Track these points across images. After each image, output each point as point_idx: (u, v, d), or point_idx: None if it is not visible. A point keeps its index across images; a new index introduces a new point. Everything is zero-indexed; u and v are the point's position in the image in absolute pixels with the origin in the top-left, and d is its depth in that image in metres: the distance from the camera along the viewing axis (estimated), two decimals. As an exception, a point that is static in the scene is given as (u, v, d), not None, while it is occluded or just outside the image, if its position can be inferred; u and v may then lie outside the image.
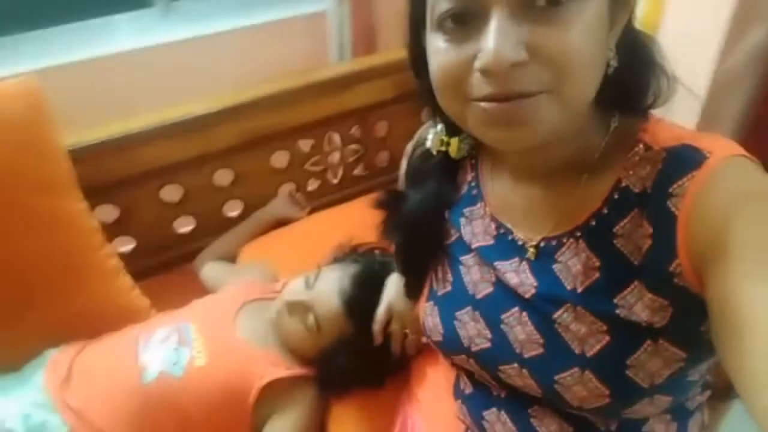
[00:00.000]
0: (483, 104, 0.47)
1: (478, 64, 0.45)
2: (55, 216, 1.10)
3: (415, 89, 0.64)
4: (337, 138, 1.56)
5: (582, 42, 0.45)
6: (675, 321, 0.51)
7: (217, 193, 1.47)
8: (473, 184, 0.70)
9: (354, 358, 0.98)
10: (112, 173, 1.29)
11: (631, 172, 0.54)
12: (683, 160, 0.50)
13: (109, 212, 1.35)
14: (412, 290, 0.80)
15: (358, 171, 1.64)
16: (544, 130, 0.48)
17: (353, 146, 1.60)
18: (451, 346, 0.70)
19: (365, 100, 1.52)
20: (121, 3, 1.78)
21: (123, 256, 1.28)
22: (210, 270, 1.36)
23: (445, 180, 0.72)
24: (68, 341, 1.09)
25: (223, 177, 1.46)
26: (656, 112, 0.58)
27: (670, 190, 0.49)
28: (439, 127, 0.68)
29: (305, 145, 1.53)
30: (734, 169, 0.48)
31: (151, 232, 1.42)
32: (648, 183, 0.52)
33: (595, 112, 0.57)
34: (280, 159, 1.52)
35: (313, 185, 1.61)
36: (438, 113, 0.64)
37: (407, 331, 0.96)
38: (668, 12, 1.34)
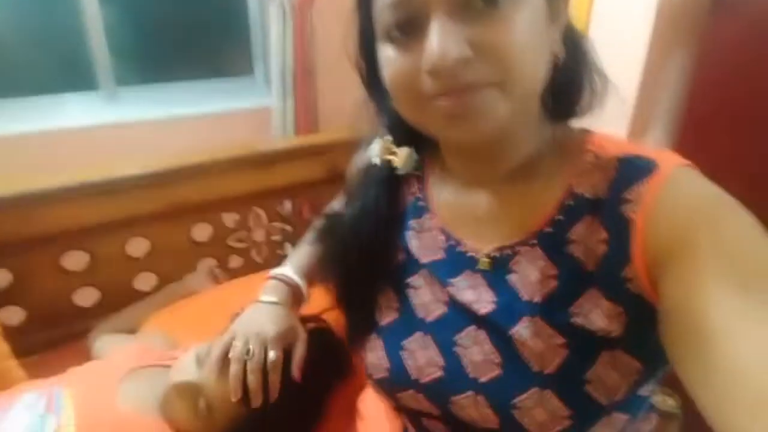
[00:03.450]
0: (437, 102, 0.49)
1: (425, 65, 0.47)
2: None
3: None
4: (263, 214, 1.52)
5: (522, 36, 0.47)
6: (630, 330, 0.51)
7: (128, 263, 1.38)
8: (419, 195, 0.68)
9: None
10: (7, 235, 1.19)
11: (583, 179, 0.55)
12: (635, 168, 0.51)
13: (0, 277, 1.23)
14: (358, 328, 0.72)
15: (283, 251, 1.58)
16: (496, 120, 0.49)
17: (279, 225, 1.55)
18: (398, 381, 0.63)
19: (296, 177, 1.51)
20: (68, 83, 1.82)
21: (9, 329, 1.14)
22: (103, 344, 1.21)
23: (386, 191, 0.69)
24: None
25: (136, 246, 1.38)
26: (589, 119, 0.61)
27: (625, 195, 0.50)
28: (386, 137, 0.68)
29: (229, 219, 1.49)
30: (685, 177, 0.50)
31: (46, 303, 1.29)
32: (601, 189, 0.53)
33: (540, 119, 0.59)
34: (201, 232, 1.46)
35: (235, 262, 1.53)
36: (388, 126, 0.66)
37: (270, 352, 0.78)
38: (595, 17, 1.47)
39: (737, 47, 1.27)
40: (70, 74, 1.86)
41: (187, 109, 1.93)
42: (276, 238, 1.56)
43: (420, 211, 0.67)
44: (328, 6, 1.88)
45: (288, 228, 1.57)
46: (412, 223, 0.67)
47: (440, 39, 0.45)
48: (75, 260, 1.31)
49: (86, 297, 1.36)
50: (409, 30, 0.48)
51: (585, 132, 0.59)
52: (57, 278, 1.29)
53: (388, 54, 0.51)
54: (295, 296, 0.88)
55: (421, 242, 0.65)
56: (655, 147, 1.40)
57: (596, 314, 0.52)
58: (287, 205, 1.55)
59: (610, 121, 0.61)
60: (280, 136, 1.95)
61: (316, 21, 1.91)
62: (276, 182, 1.50)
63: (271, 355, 0.77)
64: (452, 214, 0.64)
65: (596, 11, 1.49)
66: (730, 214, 0.46)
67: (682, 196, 0.48)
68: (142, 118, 1.84)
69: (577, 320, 0.52)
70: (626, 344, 0.51)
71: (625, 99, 0.61)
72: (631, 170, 0.51)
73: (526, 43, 0.47)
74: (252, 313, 0.83)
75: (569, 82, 0.58)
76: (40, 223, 1.22)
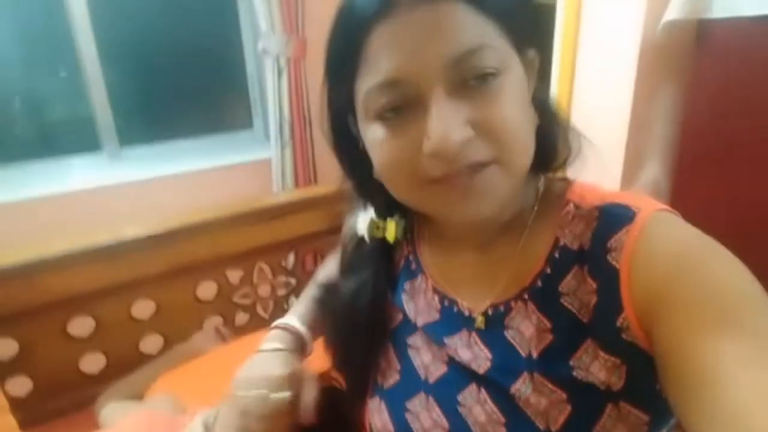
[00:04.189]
0: (437, 185, 0.48)
1: (427, 148, 0.45)
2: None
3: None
4: (267, 269, 1.53)
5: (516, 110, 0.47)
6: (632, 381, 0.49)
7: (133, 326, 1.37)
8: (411, 258, 0.68)
9: None
10: (13, 303, 1.19)
11: (566, 230, 0.55)
12: (615, 216, 0.51)
13: (6, 347, 1.22)
14: (357, 392, 0.70)
15: (289, 305, 1.57)
16: (500, 198, 0.49)
17: (284, 278, 1.55)
18: None
19: (298, 230, 1.52)
20: (72, 146, 1.86)
21: (16, 400, 1.13)
22: (111, 411, 1.20)
23: (381, 264, 0.68)
24: None
25: (142, 309, 1.38)
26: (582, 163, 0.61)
27: (608, 244, 0.50)
28: (370, 212, 0.67)
29: (234, 275, 1.49)
30: (664, 222, 0.50)
31: (53, 372, 1.28)
32: (584, 240, 0.53)
33: (525, 177, 0.59)
34: (206, 290, 1.46)
35: (241, 319, 1.53)
36: (368, 198, 0.65)
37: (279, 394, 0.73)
38: (581, 59, 1.50)
39: (723, 84, 1.29)
40: (73, 137, 1.90)
41: (189, 165, 1.96)
42: (281, 292, 1.56)
43: (412, 274, 0.67)
44: (321, 57, 1.93)
45: (292, 281, 1.57)
46: (405, 285, 0.67)
47: (442, 122, 0.44)
48: (81, 326, 1.31)
49: (93, 363, 1.35)
50: (404, 110, 0.47)
51: (565, 182, 0.59)
52: (63, 345, 1.29)
53: (378, 135, 0.49)
54: (299, 344, 0.85)
55: (416, 305, 0.65)
56: (649, 188, 1.42)
57: (596, 366, 0.51)
58: (291, 258, 1.56)
59: (603, 165, 0.62)
60: (280, 187, 1.98)
61: (311, 73, 1.96)
62: (278, 236, 1.50)
63: (279, 396, 0.70)
64: (444, 274, 0.64)
65: (582, 53, 1.53)
66: (712, 257, 0.45)
67: (662, 242, 0.47)
68: (146, 176, 1.88)
69: (579, 373, 0.51)
70: (630, 396, 0.50)
71: (600, 150, 0.61)
72: (612, 219, 0.51)
73: (519, 117, 0.48)
74: (254, 361, 0.76)
75: (545, 138, 0.57)
76: (46, 291, 1.22)
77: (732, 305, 0.41)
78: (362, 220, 0.68)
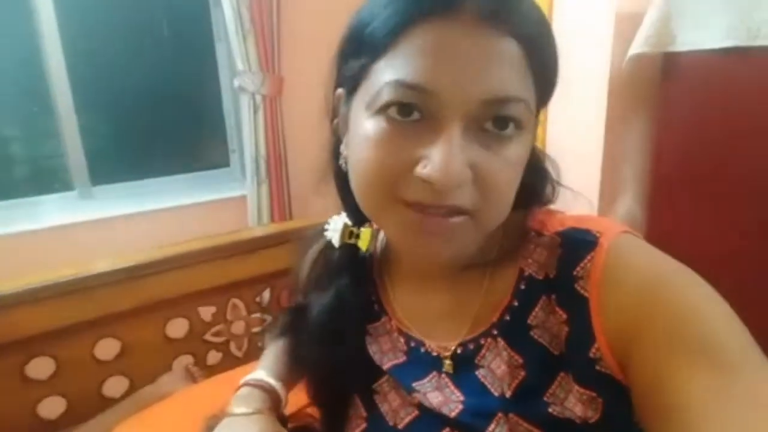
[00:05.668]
0: (409, 211, 0.45)
1: (423, 172, 0.42)
2: None
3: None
4: (241, 305, 1.48)
5: (515, 173, 0.47)
6: (608, 413, 0.47)
7: (97, 368, 1.30)
8: (373, 298, 0.64)
9: None
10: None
11: (530, 260, 0.53)
12: (578, 242, 0.50)
13: (-44, 392, 1.14)
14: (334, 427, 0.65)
15: (263, 343, 1.51)
16: (461, 246, 0.47)
17: (259, 315, 1.50)
18: None
19: (273, 265, 1.48)
20: (43, 186, 1.83)
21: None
22: (68, 460, 1.12)
23: (355, 277, 0.63)
24: None
25: (106, 348, 1.31)
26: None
27: (575, 273, 0.49)
28: (343, 217, 0.63)
29: (206, 312, 1.43)
30: (628, 247, 0.48)
31: (8, 417, 1.20)
32: (550, 268, 0.51)
33: None
34: (176, 328, 1.39)
35: (214, 358, 1.46)
36: (344, 202, 0.60)
37: None
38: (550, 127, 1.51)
39: (690, 114, 1.33)
40: (44, 177, 1.87)
41: (164, 202, 1.93)
42: (255, 329, 1.50)
43: (375, 315, 0.63)
44: (297, 95, 1.95)
45: (268, 318, 1.52)
46: (369, 327, 0.63)
47: (450, 155, 0.41)
48: (40, 368, 1.23)
49: (52, 408, 1.27)
50: (412, 114, 0.44)
51: (524, 211, 0.57)
52: (20, 389, 1.21)
53: (374, 130, 0.45)
54: (273, 401, 0.79)
55: (381, 347, 0.61)
56: (625, 220, 1.43)
57: (571, 401, 0.49)
58: (266, 295, 1.51)
59: (579, 192, 0.61)
60: (255, 224, 1.95)
61: (286, 110, 1.97)
62: (253, 271, 1.46)
63: None
64: (409, 314, 0.61)
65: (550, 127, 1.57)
66: (683, 282, 0.44)
67: (630, 268, 0.46)
68: (118, 213, 1.84)
69: (554, 409, 0.49)
70: (606, 428, 0.48)
71: (575, 185, 0.61)
72: (574, 245, 0.50)
73: (514, 180, 0.47)
74: (221, 428, 0.74)
75: (527, 188, 0.55)
76: (2, 330, 1.15)
77: (705, 334, 0.40)
78: (333, 225, 0.64)
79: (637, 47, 1.34)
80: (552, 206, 0.60)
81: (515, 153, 0.45)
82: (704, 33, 1.24)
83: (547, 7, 1.55)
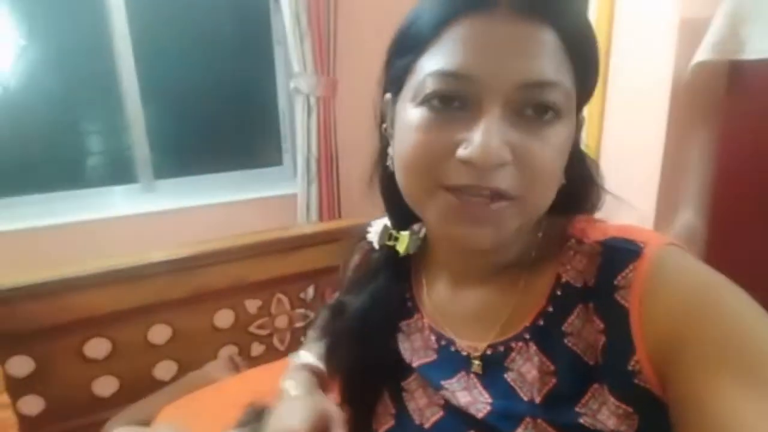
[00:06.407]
0: (451, 195, 0.46)
1: (463, 153, 0.44)
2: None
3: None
4: (286, 300, 1.51)
5: (555, 158, 0.47)
6: (643, 430, 0.46)
7: (149, 351, 1.37)
8: (407, 295, 0.65)
9: None
10: (32, 321, 1.21)
11: (568, 267, 0.52)
12: (620, 251, 0.49)
13: (22, 365, 1.23)
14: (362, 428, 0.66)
15: (306, 338, 1.55)
16: (504, 234, 0.47)
17: (302, 311, 1.53)
18: None
19: (318, 263, 1.51)
20: (111, 177, 1.95)
21: (27, 419, 1.13)
22: (117, 436, 1.18)
23: (391, 280, 0.65)
24: None
25: (158, 334, 1.38)
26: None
27: (615, 282, 0.47)
28: (384, 220, 0.65)
29: (252, 305, 1.48)
30: (673, 258, 0.47)
31: (66, 393, 1.28)
32: (589, 277, 0.50)
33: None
34: (223, 318, 1.45)
35: (257, 350, 1.51)
36: (388, 205, 0.62)
37: None
38: (610, 101, 1.46)
39: (756, 125, 1.25)
40: (112, 169, 1.99)
41: (219, 197, 2.01)
42: (298, 324, 1.54)
43: (408, 312, 0.64)
44: (351, 97, 1.98)
45: (310, 314, 1.55)
46: (401, 325, 0.64)
47: (488, 137, 0.43)
48: (97, 348, 1.31)
49: (106, 386, 1.34)
50: (454, 107, 0.45)
51: (567, 217, 0.57)
52: (78, 367, 1.29)
53: (417, 121, 0.47)
54: (321, 382, 0.82)
55: (412, 344, 0.62)
56: (684, 233, 1.37)
57: (605, 413, 0.47)
58: (310, 291, 1.54)
59: (637, 202, 0.60)
60: (304, 221, 1.99)
61: (340, 112, 2.01)
62: (299, 268, 1.50)
63: None
64: (442, 312, 0.61)
65: (611, 95, 1.52)
66: (729, 297, 0.43)
67: (674, 280, 0.45)
68: (177, 206, 1.93)
69: (586, 421, 0.47)
70: None
71: (632, 194, 0.59)
72: (617, 254, 0.49)
73: (556, 165, 0.47)
74: (278, 410, 0.76)
75: (573, 194, 0.55)
76: (65, 311, 1.23)
77: (753, 353, 0.39)
78: (375, 228, 0.65)
79: (702, 55, 1.28)
80: (598, 215, 0.58)
81: (555, 138, 0.46)
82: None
83: (608, 12, 1.50)
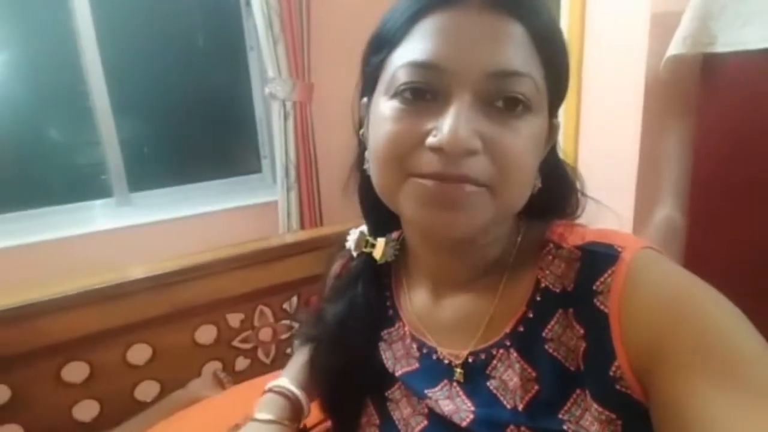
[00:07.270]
0: (423, 181, 0.46)
1: (433, 141, 0.45)
2: None
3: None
4: (269, 312, 1.49)
5: (527, 150, 0.47)
6: None
7: (129, 372, 1.33)
8: (388, 304, 0.65)
9: None
10: (6, 348, 1.17)
11: (547, 272, 0.53)
12: (599, 256, 0.49)
13: (-2, 393, 1.19)
14: None
15: (291, 349, 1.52)
16: (476, 222, 0.47)
17: (287, 322, 1.51)
18: None
19: (301, 272, 1.49)
20: (84, 193, 1.89)
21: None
22: (100, 463, 1.15)
23: (370, 287, 0.65)
24: None
25: (138, 354, 1.34)
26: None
27: (594, 287, 0.48)
28: (362, 227, 0.66)
29: (234, 319, 1.45)
30: (650, 262, 0.48)
31: (45, 419, 1.24)
32: (568, 282, 0.51)
33: (514, 219, 0.58)
34: (205, 334, 1.42)
35: (242, 364, 1.48)
36: (365, 210, 0.64)
37: None
38: (586, 96, 1.47)
39: (730, 117, 1.26)
40: (86, 184, 1.94)
41: (197, 208, 1.97)
42: (283, 336, 1.51)
43: (390, 321, 0.64)
44: (327, 101, 1.96)
45: (295, 325, 1.53)
46: (383, 333, 0.64)
47: (458, 123, 0.43)
48: (75, 372, 1.27)
49: (86, 411, 1.31)
50: (424, 97, 0.46)
51: (544, 222, 0.57)
52: (57, 392, 1.25)
53: (389, 112, 0.48)
54: (294, 410, 0.80)
55: (394, 353, 0.62)
56: (665, 225, 1.37)
57: (588, 419, 0.47)
58: (293, 301, 1.52)
59: (616, 200, 0.60)
60: (285, 229, 1.97)
61: (316, 116, 1.98)
62: (281, 278, 1.47)
63: None
64: (423, 320, 0.61)
65: (586, 92, 1.52)
66: (703, 301, 0.43)
67: (653, 284, 0.45)
68: (154, 219, 1.89)
69: (569, 427, 0.48)
70: None
71: (610, 189, 0.59)
72: (595, 259, 0.49)
73: (527, 157, 0.47)
74: None
75: (551, 199, 0.57)
76: (40, 335, 1.20)
77: (731, 356, 0.39)
78: (352, 235, 0.65)
79: (675, 49, 1.28)
80: (577, 220, 0.59)
81: (526, 131, 0.46)
82: (748, 33, 1.17)
83: (579, 9, 1.50)
